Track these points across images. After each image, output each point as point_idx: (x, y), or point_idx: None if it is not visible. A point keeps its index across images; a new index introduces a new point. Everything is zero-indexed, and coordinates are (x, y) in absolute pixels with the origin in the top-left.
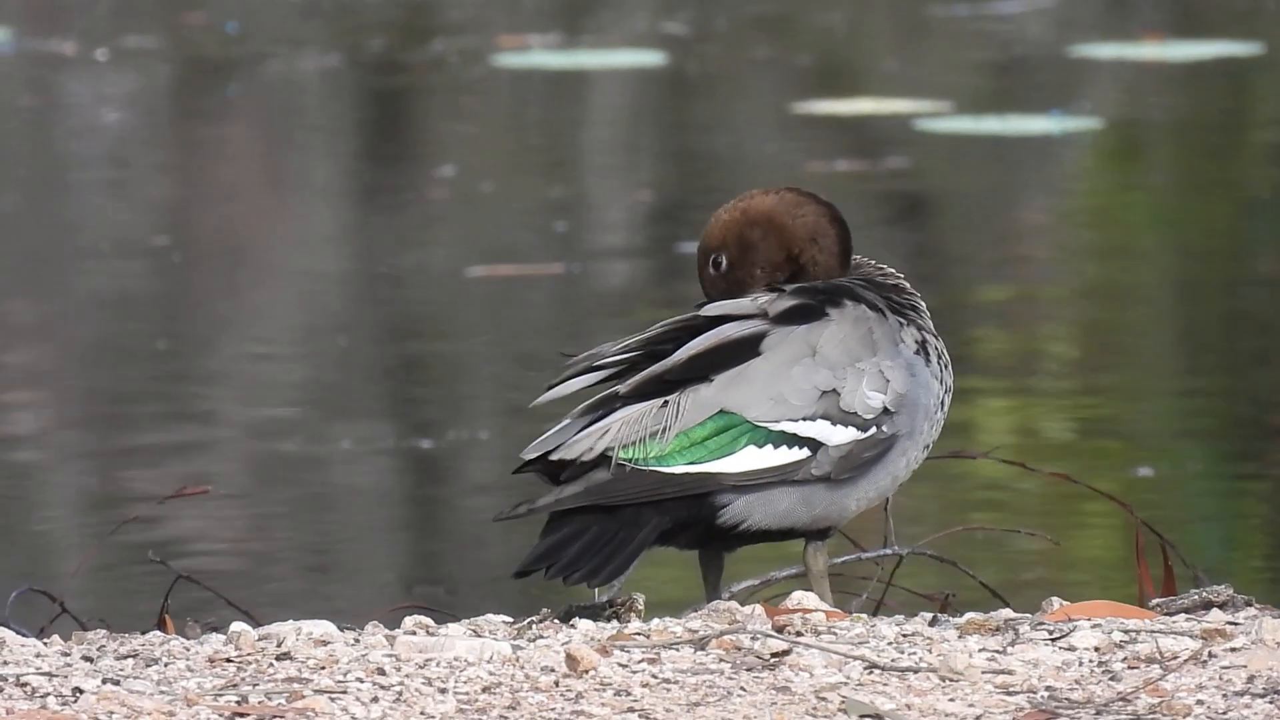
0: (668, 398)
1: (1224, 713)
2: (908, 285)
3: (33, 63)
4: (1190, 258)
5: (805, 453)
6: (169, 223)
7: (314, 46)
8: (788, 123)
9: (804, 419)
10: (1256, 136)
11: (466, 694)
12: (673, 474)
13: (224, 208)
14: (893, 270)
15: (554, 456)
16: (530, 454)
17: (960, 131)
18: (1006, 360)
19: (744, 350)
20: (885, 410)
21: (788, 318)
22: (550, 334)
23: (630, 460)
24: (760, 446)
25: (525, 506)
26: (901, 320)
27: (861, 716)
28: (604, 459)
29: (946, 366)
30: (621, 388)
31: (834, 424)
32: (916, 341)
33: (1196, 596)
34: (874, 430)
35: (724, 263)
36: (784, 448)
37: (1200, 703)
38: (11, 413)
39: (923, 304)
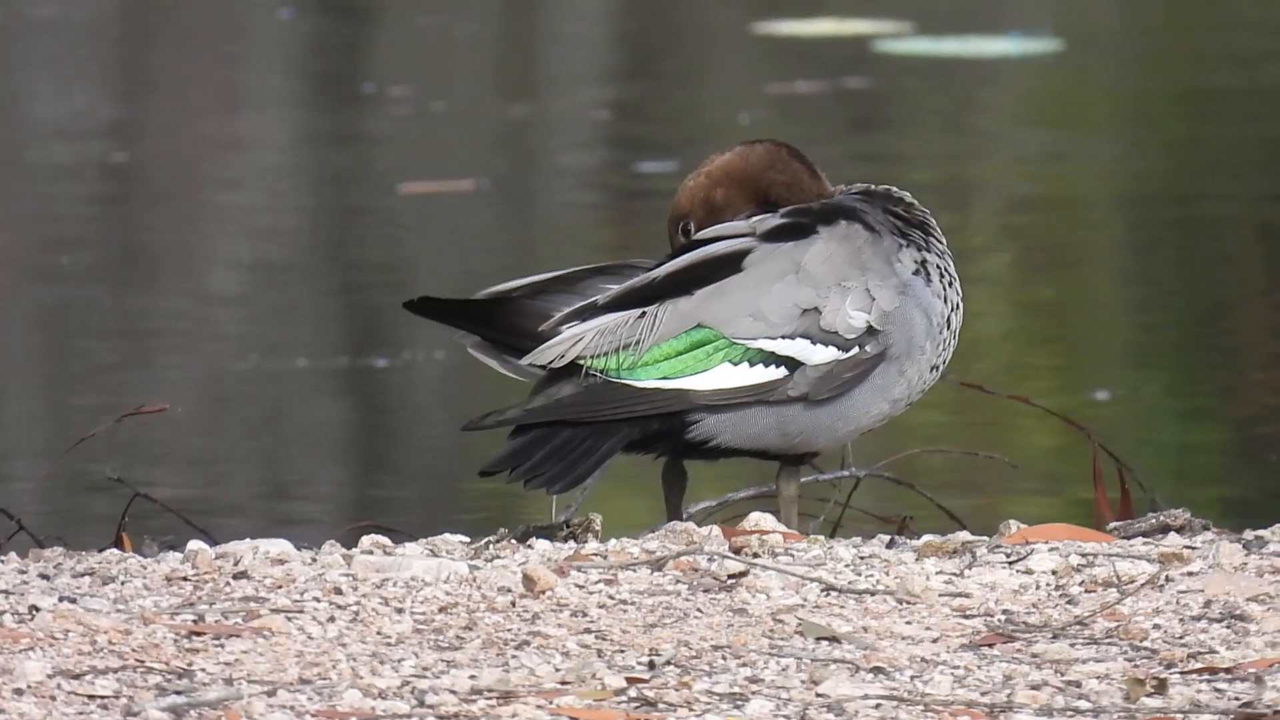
0: (645, 309)
1: (1180, 637)
2: (917, 204)
3: None
4: (1147, 175)
5: (783, 372)
6: (119, 137)
7: None
8: (748, 43)
9: (783, 337)
10: (1215, 57)
11: (423, 614)
12: (644, 389)
13: (174, 125)
14: (907, 194)
15: (524, 361)
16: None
17: (920, 53)
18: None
19: (727, 266)
20: (870, 330)
21: (775, 235)
22: (500, 252)
23: (602, 371)
24: (736, 364)
25: (494, 418)
26: (902, 241)
27: (818, 639)
28: (575, 368)
29: (951, 285)
30: (601, 297)
31: (814, 343)
32: (916, 261)
33: (1154, 520)
34: (856, 350)
35: (693, 228)
36: (760, 366)
37: (1157, 627)
38: None
39: (934, 222)
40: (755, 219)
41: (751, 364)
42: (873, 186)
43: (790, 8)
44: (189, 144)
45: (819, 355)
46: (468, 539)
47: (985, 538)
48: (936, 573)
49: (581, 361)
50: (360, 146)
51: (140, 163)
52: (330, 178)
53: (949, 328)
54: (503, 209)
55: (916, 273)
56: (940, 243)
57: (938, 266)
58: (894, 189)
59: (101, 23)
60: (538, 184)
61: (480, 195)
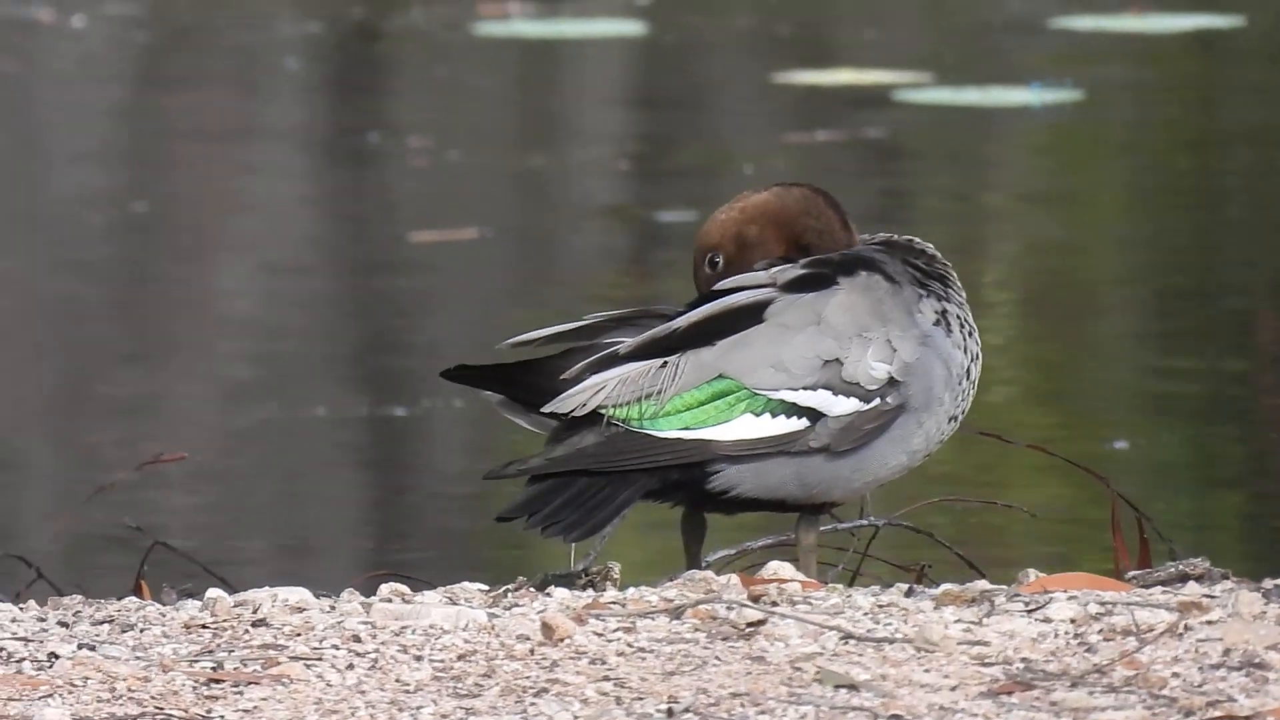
0: (667, 359)
1: (1200, 685)
2: (939, 255)
3: (10, 29)
4: (1165, 230)
5: (804, 423)
6: (139, 188)
7: (293, 13)
8: (767, 93)
9: (804, 388)
10: (1233, 109)
11: (442, 661)
12: (665, 439)
13: (195, 175)
14: (929, 245)
15: (545, 410)
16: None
17: (940, 102)
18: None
19: (748, 316)
20: (891, 381)
21: (796, 286)
22: (517, 301)
23: (623, 420)
24: (758, 415)
25: (515, 466)
26: (922, 292)
27: (837, 687)
28: (596, 416)
29: (971, 335)
30: (622, 347)
31: (835, 394)
32: (936, 312)
33: (1173, 569)
34: (877, 401)
35: (720, 262)
36: (782, 417)
37: (1176, 675)
38: None
39: (954, 274)
40: (775, 269)
41: (773, 415)
42: (894, 237)
43: (810, 58)
44: (204, 193)
45: (840, 406)
46: (486, 587)
47: (1004, 586)
48: (955, 621)
49: (603, 411)
50: (376, 196)
51: (157, 213)
52: (347, 226)
53: (969, 378)
54: (520, 258)
55: (937, 323)
56: (960, 294)
57: (957, 317)
58: (916, 240)
59: (116, 71)
60: (556, 233)
61: (497, 244)
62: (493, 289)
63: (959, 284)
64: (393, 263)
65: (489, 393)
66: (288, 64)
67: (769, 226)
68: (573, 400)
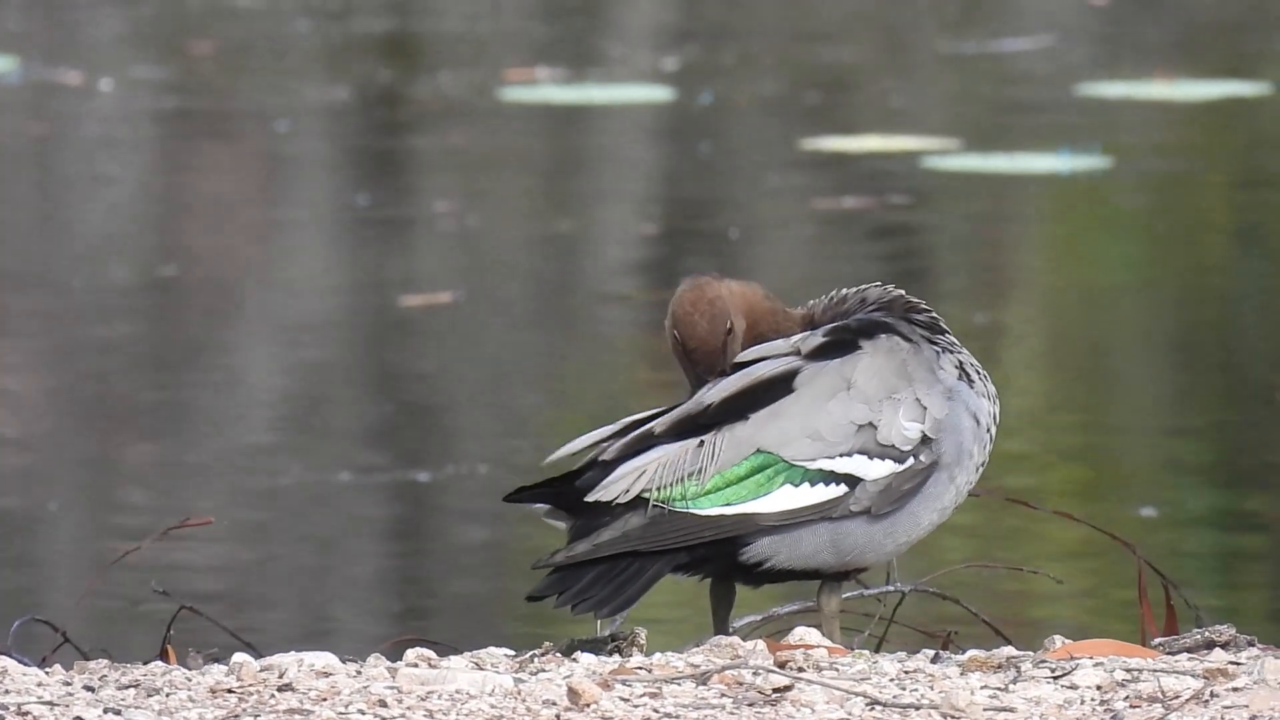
0: (704, 438)
1: None
2: (922, 303)
3: (38, 92)
4: (1191, 296)
5: (843, 489)
6: (168, 253)
7: (320, 78)
8: (795, 159)
9: (841, 455)
10: (1259, 176)
11: None
12: (709, 516)
13: (222, 239)
14: (920, 300)
15: (590, 498)
16: (551, 470)
17: (968, 169)
18: (1008, 397)
19: (778, 388)
20: (924, 439)
21: (821, 353)
22: (539, 367)
23: (665, 501)
24: (797, 485)
25: (563, 554)
26: (937, 348)
27: None
28: (638, 500)
29: (987, 380)
30: (657, 426)
31: (871, 458)
32: (956, 367)
33: (1199, 636)
34: (911, 461)
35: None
36: (821, 485)
37: None
38: (10, 443)
39: (954, 337)
40: (796, 338)
41: (812, 484)
42: (884, 293)
43: (837, 124)
44: (231, 258)
45: (877, 469)
46: (512, 652)
47: (1030, 652)
48: (981, 687)
49: (646, 495)
50: (402, 261)
51: (185, 276)
52: (371, 291)
53: (995, 424)
54: (547, 322)
55: (960, 377)
56: (956, 340)
57: (972, 365)
58: (902, 293)
59: (143, 135)
60: (583, 299)
61: (522, 308)
62: (519, 353)
63: (961, 346)
64: (417, 327)
65: (538, 505)
66: (314, 129)
67: (747, 315)
68: (616, 487)
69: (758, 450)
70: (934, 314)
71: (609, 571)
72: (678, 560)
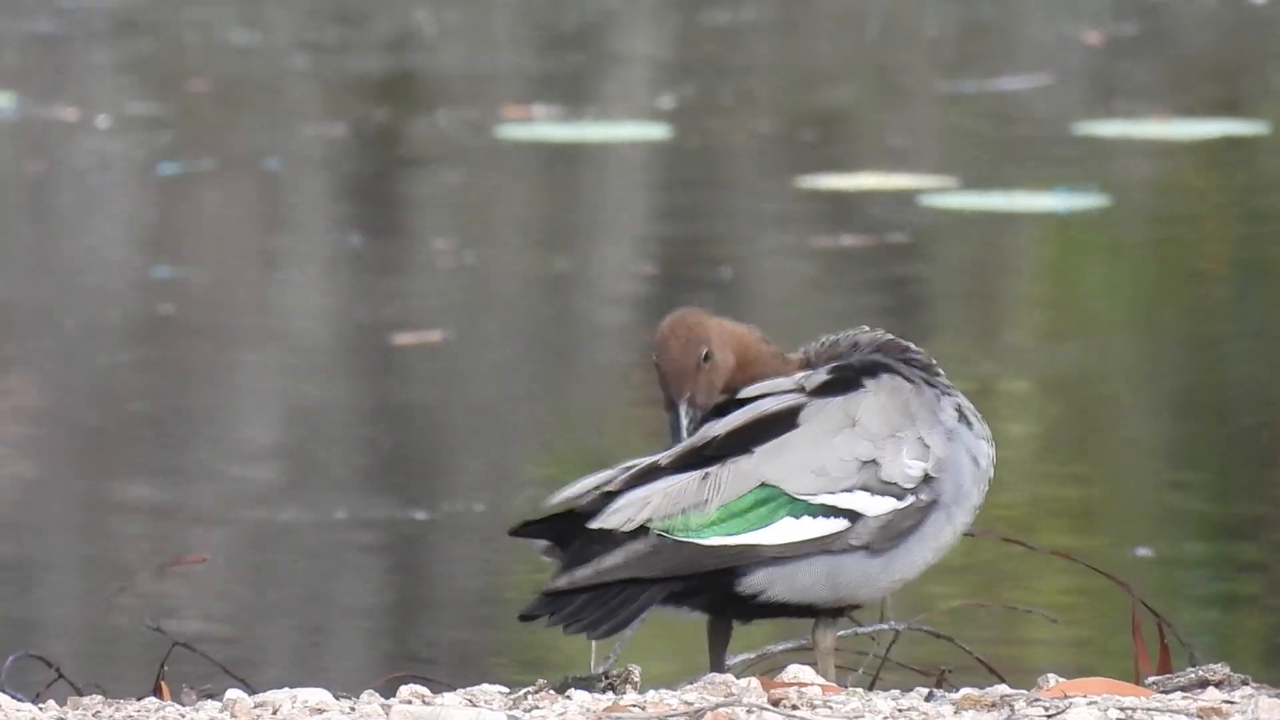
0: (708, 470)
1: None
2: (914, 346)
3: (35, 128)
4: (1190, 338)
5: (843, 523)
6: (164, 291)
7: (317, 115)
8: (791, 197)
9: (843, 490)
10: (1258, 215)
11: None
12: (711, 546)
13: (218, 276)
14: (910, 344)
15: (594, 525)
16: (556, 507)
17: (965, 207)
18: (1004, 437)
19: (782, 422)
20: (926, 478)
21: (825, 390)
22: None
23: (668, 531)
24: (798, 518)
25: (565, 578)
26: (936, 390)
27: None
28: (641, 529)
29: (984, 422)
30: (662, 458)
31: (873, 494)
32: (955, 409)
33: (1193, 674)
34: (911, 499)
35: (712, 357)
36: (822, 519)
37: None
38: (5, 479)
39: (947, 380)
40: (799, 376)
41: (814, 517)
42: (875, 337)
43: (834, 162)
44: (229, 295)
45: (878, 506)
46: (507, 689)
47: (1024, 691)
48: None
49: (650, 525)
50: (399, 298)
51: (182, 314)
52: (368, 329)
53: (992, 466)
54: (544, 360)
55: (960, 419)
56: (950, 384)
57: (969, 409)
58: (892, 336)
59: (140, 171)
60: (580, 336)
61: (519, 346)
62: (517, 391)
63: (956, 390)
64: (416, 365)
65: (539, 541)
66: (310, 166)
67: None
68: (619, 515)
69: (762, 483)
70: (928, 358)
71: (603, 595)
72: (672, 588)
